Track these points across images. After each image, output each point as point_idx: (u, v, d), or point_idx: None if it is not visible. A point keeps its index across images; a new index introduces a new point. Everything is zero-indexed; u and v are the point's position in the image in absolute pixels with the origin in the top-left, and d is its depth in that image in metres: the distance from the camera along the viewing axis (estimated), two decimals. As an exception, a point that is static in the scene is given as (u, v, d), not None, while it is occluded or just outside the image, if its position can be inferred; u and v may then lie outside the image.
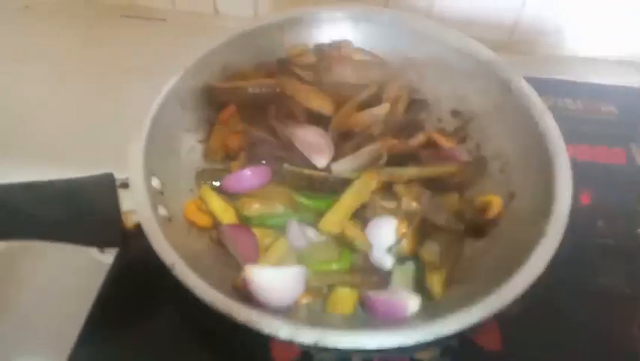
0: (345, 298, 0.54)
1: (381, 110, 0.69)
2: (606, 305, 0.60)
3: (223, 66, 0.70)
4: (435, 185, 0.62)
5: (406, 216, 0.57)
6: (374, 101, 0.71)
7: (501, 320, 0.51)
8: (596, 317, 0.59)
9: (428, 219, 0.58)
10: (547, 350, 0.56)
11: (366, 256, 0.57)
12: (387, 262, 0.57)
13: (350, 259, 0.56)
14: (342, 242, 0.57)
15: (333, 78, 0.72)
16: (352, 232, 0.57)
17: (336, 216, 0.57)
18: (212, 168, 0.65)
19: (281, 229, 0.58)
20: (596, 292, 0.61)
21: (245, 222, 0.59)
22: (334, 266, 0.55)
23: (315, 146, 0.64)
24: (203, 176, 0.63)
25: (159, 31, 0.99)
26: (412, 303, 0.52)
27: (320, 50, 0.74)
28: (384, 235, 0.56)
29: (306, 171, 0.61)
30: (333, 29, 0.75)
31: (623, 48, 0.95)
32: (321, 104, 0.68)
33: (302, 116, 0.67)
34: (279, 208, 0.60)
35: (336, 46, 0.74)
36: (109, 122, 0.72)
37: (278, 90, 0.67)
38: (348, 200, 0.58)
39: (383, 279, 0.56)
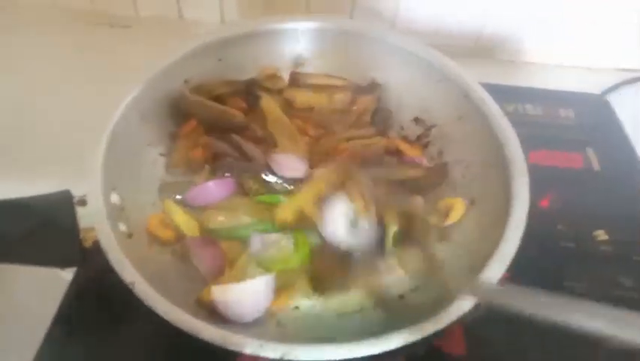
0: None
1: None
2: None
3: (185, 79, 0.69)
4: (399, 188, 0.63)
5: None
6: (345, 113, 0.72)
7: (464, 324, 0.52)
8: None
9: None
10: (512, 354, 0.57)
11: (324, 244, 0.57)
12: (344, 240, 0.57)
13: (308, 247, 0.57)
14: (299, 233, 0.58)
15: (303, 103, 0.72)
16: (309, 210, 0.58)
17: (291, 205, 0.59)
18: (175, 181, 0.64)
19: (247, 241, 0.57)
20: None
21: (210, 235, 0.58)
22: (294, 259, 0.56)
23: (287, 165, 0.64)
24: (166, 189, 0.63)
25: (124, 37, 0.98)
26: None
27: (293, 75, 0.74)
28: (339, 214, 0.57)
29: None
30: (296, 41, 0.75)
31: (580, 55, 0.98)
32: (293, 146, 0.66)
33: (272, 142, 0.67)
34: (244, 219, 0.59)
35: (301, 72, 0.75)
36: (71, 133, 0.70)
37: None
38: (304, 191, 0.60)
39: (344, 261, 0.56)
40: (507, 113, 0.63)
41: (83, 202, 0.53)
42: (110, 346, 0.55)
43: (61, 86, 0.85)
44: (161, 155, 0.66)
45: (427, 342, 0.53)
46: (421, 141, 0.73)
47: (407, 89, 0.74)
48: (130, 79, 0.64)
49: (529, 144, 0.60)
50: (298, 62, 0.77)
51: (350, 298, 0.56)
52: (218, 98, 0.69)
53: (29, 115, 0.82)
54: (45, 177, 0.56)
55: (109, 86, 0.62)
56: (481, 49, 0.97)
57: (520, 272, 0.51)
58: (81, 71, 0.88)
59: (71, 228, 0.52)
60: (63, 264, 0.53)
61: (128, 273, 0.47)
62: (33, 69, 0.89)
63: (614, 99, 0.91)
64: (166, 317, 0.44)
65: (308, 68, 0.77)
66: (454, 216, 0.61)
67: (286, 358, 0.42)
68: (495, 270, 0.50)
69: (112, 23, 1.00)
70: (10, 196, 0.51)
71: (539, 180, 0.57)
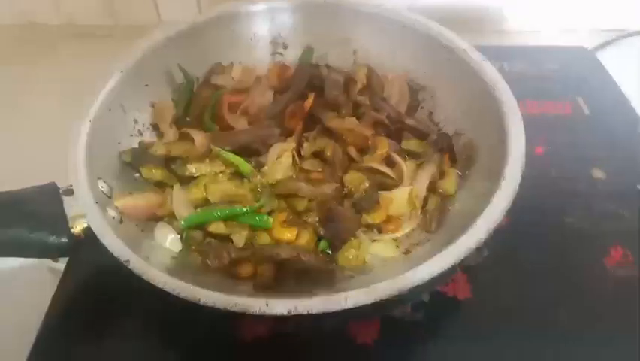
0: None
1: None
2: (569, 243, 0.60)
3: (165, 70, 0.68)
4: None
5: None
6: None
7: (468, 269, 0.51)
8: (560, 256, 0.59)
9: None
10: (517, 293, 0.56)
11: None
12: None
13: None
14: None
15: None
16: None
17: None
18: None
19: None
20: (560, 231, 0.61)
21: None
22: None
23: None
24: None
25: (105, 47, 0.96)
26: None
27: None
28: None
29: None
30: (272, 21, 0.75)
31: (565, 20, 0.98)
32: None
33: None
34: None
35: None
36: (55, 137, 0.69)
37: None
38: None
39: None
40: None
41: (69, 192, 0.51)
42: (107, 338, 0.54)
43: (49, 96, 0.85)
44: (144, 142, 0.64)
45: (431, 288, 0.53)
46: (411, 105, 0.72)
47: (389, 56, 0.73)
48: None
49: (517, 95, 0.59)
50: (277, 42, 0.77)
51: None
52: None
53: (20, 124, 0.82)
54: (31, 173, 0.54)
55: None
56: (461, 19, 0.97)
57: (521, 214, 0.50)
58: (67, 82, 0.86)
59: (60, 218, 0.50)
60: (54, 255, 0.51)
61: (123, 252, 0.45)
62: (22, 80, 0.89)
63: (600, 55, 0.90)
64: (165, 288, 0.43)
65: (288, 48, 0.77)
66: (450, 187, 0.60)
67: (295, 312, 0.40)
68: (495, 213, 0.49)
69: (92, 34, 1.00)
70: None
71: (531, 128, 0.56)
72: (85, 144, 0.55)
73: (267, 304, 0.41)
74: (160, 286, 0.43)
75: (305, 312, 0.41)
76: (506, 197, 0.49)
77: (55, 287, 0.56)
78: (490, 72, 0.60)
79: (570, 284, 0.56)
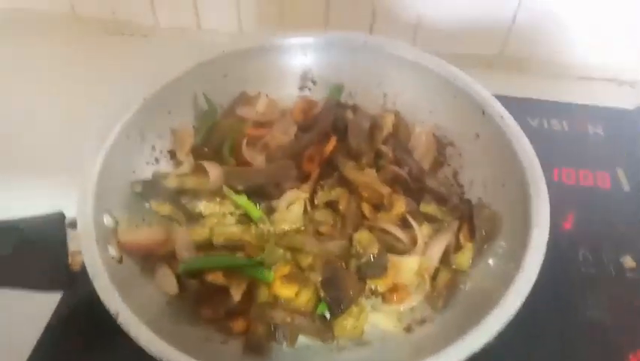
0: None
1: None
2: (589, 340, 0.56)
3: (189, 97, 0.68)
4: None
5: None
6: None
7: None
8: (578, 354, 0.55)
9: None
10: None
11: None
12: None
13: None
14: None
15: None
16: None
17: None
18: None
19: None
20: (578, 326, 0.57)
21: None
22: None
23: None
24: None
25: (142, 47, 0.97)
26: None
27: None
28: None
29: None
30: (305, 56, 0.73)
31: (612, 68, 0.92)
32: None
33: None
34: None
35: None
36: (71, 145, 0.68)
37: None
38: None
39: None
40: (531, 128, 0.58)
41: (74, 225, 0.51)
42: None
43: (81, 94, 0.85)
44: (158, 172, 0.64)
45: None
46: (436, 161, 0.68)
47: (421, 106, 0.70)
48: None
49: (553, 160, 0.56)
50: (306, 76, 0.75)
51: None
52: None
53: (27, 124, 0.82)
54: (41, 191, 0.54)
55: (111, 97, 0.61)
56: (506, 59, 0.92)
57: (538, 301, 0.46)
58: (100, 79, 0.87)
59: (61, 251, 0.50)
60: (50, 287, 0.51)
61: (113, 302, 0.45)
62: (56, 77, 0.90)
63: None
64: (150, 351, 0.42)
65: (317, 84, 0.75)
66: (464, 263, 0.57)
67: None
68: (511, 303, 0.46)
69: (131, 32, 1.00)
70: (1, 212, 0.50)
71: (562, 199, 0.53)
72: (97, 174, 0.54)
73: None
74: (144, 347, 0.42)
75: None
76: (522, 292, 0.46)
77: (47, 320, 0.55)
78: (527, 150, 0.56)
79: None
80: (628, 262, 0.62)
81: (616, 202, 0.69)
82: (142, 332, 0.43)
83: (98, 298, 0.45)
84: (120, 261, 0.52)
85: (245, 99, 0.72)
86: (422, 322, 0.53)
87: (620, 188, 0.71)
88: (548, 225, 0.50)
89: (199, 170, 0.64)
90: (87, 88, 0.86)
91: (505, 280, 0.49)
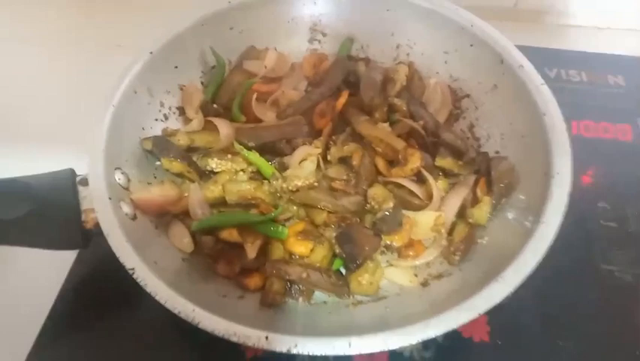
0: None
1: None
2: (606, 294, 0.55)
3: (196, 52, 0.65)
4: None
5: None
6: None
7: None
8: (593, 307, 0.55)
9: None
10: (540, 344, 0.52)
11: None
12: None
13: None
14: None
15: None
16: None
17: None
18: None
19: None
20: (595, 279, 0.56)
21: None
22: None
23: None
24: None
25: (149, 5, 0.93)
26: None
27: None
28: None
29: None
30: (315, 5, 0.70)
31: (631, 16, 0.88)
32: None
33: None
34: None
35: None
36: (76, 107, 0.67)
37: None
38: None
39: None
40: (548, 79, 0.56)
41: (85, 182, 0.50)
42: (112, 334, 0.54)
43: (89, 55, 0.83)
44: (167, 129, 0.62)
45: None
46: (452, 114, 0.66)
47: (436, 57, 0.67)
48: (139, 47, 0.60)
49: (571, 113, 0.54)
50: (316, 28, 0.72)
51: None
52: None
53: (31, 89, 0.80)
54: (49, 154, 0.53)
55: (117, 57, 0.59)
56: (523, 10, 0.88)
57: (553, 253, 0.45)
58: (88, 41, 0.85)
59: (73, 209, 0.49)
60: (65, 246, 0.51)
61: (129, 258, 0.44)
62: (36, 43, 0.87)
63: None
64: (166, 305, 0.41)
65: (327, 36, 0.72)
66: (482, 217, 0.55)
67: (293, 351, 0.39)
68: (532, 255, 0.45)
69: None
70: (11, 175, 0.49)
71: (582, 152, 0.51)
72: (107, 130, 0.53)
73: (266, 338, 0.40)
74: (161, 302, 0.42)
75: (304, 353, 0.39)
76: (543, 243, 0.45)
77: (68, 271, 0.56)
78: (547, 98, 0.54)
79: (600, 345, 0.52)
80: (648, 214, 0.61)
81: (636, 155, 0.67)
82: (159, 288, 0.42)
83: (112, 256, 0.45)
84: (134, 218, 0.51)
85: (253, 53, 0.70)
86: (439, 277, 0.53)
87: (642, 140, 0.69)
88: (570, 176, 0.49)
89: (209, 127, 0.63)
90: (93, 47, 0.84)
91: (525, 233, 0.48)
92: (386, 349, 0.39)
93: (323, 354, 0.39)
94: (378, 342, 0.39)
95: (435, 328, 0.40)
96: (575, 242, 0.58)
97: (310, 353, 0.39)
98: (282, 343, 0.39)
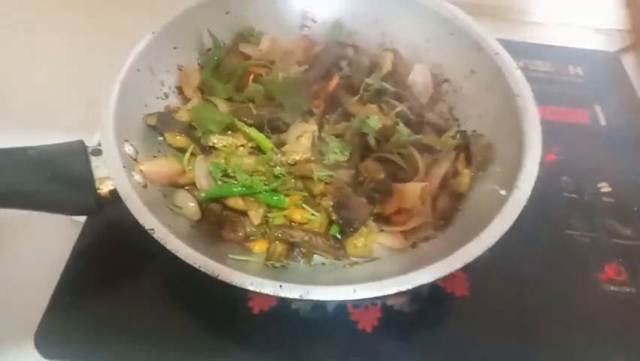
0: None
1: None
2: (568, 254, 0.63)
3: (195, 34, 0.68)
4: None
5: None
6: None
7: (468, 268, 0.53)
8: (559, 265, 0.62)
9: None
10: (512, 298, 0.59)
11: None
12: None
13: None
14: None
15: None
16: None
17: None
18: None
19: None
20: (561, 241, 0.64)
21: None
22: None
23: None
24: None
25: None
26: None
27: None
28: None
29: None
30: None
31: (589, 15, 0.97)
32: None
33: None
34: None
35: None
36: (87, 84, 0.69)
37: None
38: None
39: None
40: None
41: (97, 152, 0.53)
42: (121, 300, 0.57)
43: (78, 38, 0.84)
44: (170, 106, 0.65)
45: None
46: (432, 98, 0.72)
47: (418, 44, 0.73)
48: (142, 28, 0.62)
49: (538, 99, 0.60)
50: (306, 15, 0.76)
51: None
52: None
53: (39, 65, 0.81)
54: (57, 128, 0.55)
55: (121, 38, 0.62)
56: (486, 7, 0.95)
57: (524, 220, 0.51)
58: (93, 20, 0.86)
59: (87, 177, 0.52)
60: (81, 212, 0.54)
61: (147, 220, 0.47)
62: (44, 20, 0.88)
63: (626, 60, 0.90)
64: (187, 260, 0.45)
65: (317, 22, 0.76)
66: (462, 187, 0.61)
67: (305, 297, 0.43)
68: (507, 218, 0.51)
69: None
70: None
71: (547, 134, 0.58)
72: (115, 104, 0.55)
73: (280, 286, 0.44)
74: (182, 258, 0.45)
75: (316, 298, 0.44)
76: (517, 208, 0.51)
77: (77, 236, 0.58)
78: (519, 81, 0.60)
79: (563, 295, 0.59)
80: (604, 187, 0.69)
81: (594, 135, 0.76)
82: (179, 245, 0.46)
83: (122, 223, 0.48)
84: (145, 186, 0.54)
85: (246, 38, 0.73)
86: (426, 239, 0.58)
87: (598, 123, 0.78)
88: (540, 149, 0.55)
89: (207, 105, 0.66)
90: (84, 28, 0.85)
91: (500, 200, 0.53)
92: (384, 294, 0.44)
93: (331, 299, 0.44)
94: (378, 288, 0.45)
95: (427, 275, 0.46)
96: (542, 211, 0.64)
97: (321, 299, 0.44)
98: (295, 290, 0.44)
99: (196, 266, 0.45)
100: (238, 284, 0.44)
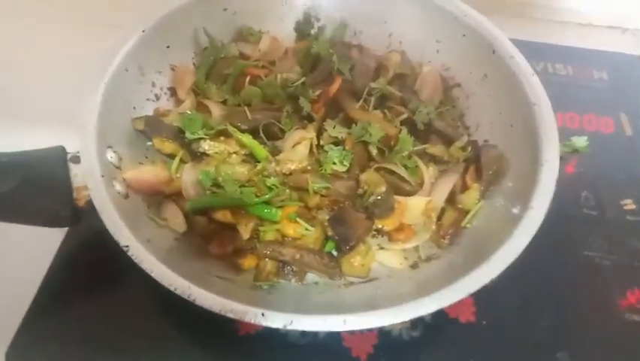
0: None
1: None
2: (586, 278, 0.58)
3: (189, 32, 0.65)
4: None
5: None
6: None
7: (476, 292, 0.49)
8: (575, 290, 0.57)
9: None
10: (522, 326, 0.54)
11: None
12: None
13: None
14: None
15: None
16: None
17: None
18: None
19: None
20: (576, 264, 0.59)
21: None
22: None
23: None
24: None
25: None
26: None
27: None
28: None
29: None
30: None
31: (615, 14, 0.90)
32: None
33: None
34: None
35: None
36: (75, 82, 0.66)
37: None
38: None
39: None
40: (535, 72, 0.57)
41: (76, 159, 0.50)
42: (100, 311, 0.54)
43: (56, 36, 0.81)
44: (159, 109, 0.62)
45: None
46: (442, 103, 0.67)
47: (428, 45, 0.68)
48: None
49: (557, 105, 0.55)
50: (309, 12, 0.72)
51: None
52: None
53: (21, 65, 0.79)
54: (39, 131, 0.52)
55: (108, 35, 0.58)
56: (508, 5, 0.90)
57: (537, 238, 0.46)
58: (82, 15, 0.83)
59: (64, 186, 0.48)
60: (56, 224, 0.50)
61: (123, 235, 0.44)
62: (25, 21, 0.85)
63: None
64: (162, 282, 0.41)
65: (320, 20, 0.72)
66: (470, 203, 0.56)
67: (289, 327, 0.39)
68: (519, 240, 0.46)
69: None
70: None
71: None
72: (98, 108, 0.52)
73: (262, 315, 0.40)
74: (157, 279, 0.42)
75: (300, 329, 0.40)
76: (530, 230, 0.47)
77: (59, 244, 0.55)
78: (537, 89, 0.55)
79: (580, 324, 0.54)
80: (628, 204, 0.63)
81: (618, 147, 0.70)
82: (154, 265, 0.42)
83: (103, 234, 0.45)
84: (126, 197, 0.51)
85: (248, 32, 0.69)
86: (428, 259, 0.54)
87: (623, 133, 0.72)
88: (558, 163, 0.50)
89: (201, 109, 0.63)
90: (73, 26, 0.82)
91: (512, 219, 0.49)
92: (380, 326, 0.40)
93: (318, 330, 0.40)
94: (373, 319, 0.40)
95: (427, 306, 0.41)
96: (559, 229, 0.59)
97: (306, 330, 0.39)
98: (278, 319, 0.40)
99: (171, 289, 0.41)
100: (216, 311, 0.40)
